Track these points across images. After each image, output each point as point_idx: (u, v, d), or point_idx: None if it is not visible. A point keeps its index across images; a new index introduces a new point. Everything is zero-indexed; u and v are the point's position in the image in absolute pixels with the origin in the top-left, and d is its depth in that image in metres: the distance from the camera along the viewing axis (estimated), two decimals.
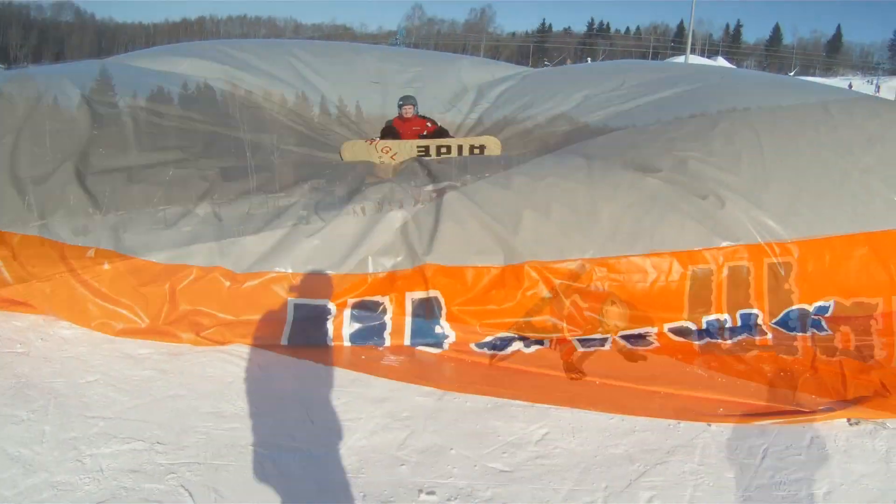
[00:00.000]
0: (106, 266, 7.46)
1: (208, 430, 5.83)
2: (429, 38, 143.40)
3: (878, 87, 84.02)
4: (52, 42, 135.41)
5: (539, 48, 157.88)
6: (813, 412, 6.39)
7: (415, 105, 13.19)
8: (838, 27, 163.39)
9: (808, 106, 10.15)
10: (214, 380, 6.67)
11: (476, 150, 11.67)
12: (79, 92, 9.61)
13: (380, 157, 11.40)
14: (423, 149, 11.65)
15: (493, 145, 11.77)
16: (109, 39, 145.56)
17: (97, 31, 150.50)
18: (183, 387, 6.52)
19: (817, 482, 5.58)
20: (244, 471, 5.38)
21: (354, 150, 11.43)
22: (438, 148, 11.73)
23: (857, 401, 6.65)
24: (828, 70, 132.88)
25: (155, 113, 9.86)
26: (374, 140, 11.88)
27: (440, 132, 13.17)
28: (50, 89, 9.45)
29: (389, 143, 11.78)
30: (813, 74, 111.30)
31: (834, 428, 6.28)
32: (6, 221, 7.77)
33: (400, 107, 13.13)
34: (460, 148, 11.80)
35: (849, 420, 6.40)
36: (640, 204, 8.13)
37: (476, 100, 15.29)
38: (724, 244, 7.90)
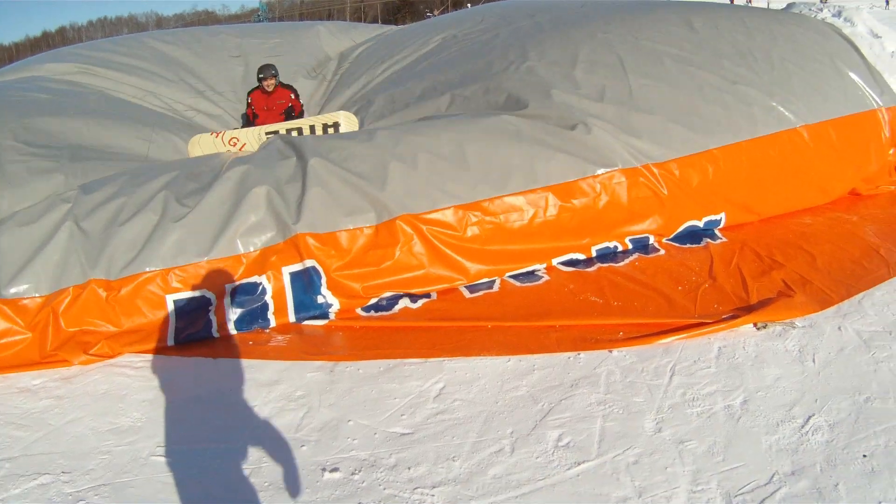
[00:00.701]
0: None
1: (109, 449, 5.63)
2: (292, 9, 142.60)
3: None
4: None
5: (404, 2, 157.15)
6: (717, 322, 6.35)
7: (276, 75, 12.73)
8: None
9: (671, 25, 10.17)
10: (109, 396, 6.45)
11: (330, 129, 11.23)
12: None
13: (227, 149, 10.81)
14: (271, 134, 10.89)
15: (347, 121, 11.36)
16: None
17: None
18: (79, 409, 6.28)
19: (732, 392, 5.56)
20: (149, 483, 5.20)
21: (201, 145, 10.86)
22: (288, 132, 11.12)
23: (762, 304, 6.63)
24: None
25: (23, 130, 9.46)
26: (220, 132, 11.27)
27: (301, 114, 12.86)
28: None
29: (236, 133, 11.29)
30: None
31: (741, 335, 6.27)
32: None
33: (260, 80, 12.69)
34: (312, 129, 11.36)
35: (755, 325, 6.38)
36: (507, 143, 8.02)
37: (337, 67, 15.26)
38: (600, 171, 7.82)
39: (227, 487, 5.05)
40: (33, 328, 7.11)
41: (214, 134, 10.80)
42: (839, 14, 11.39)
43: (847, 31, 10.69)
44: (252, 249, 7.31)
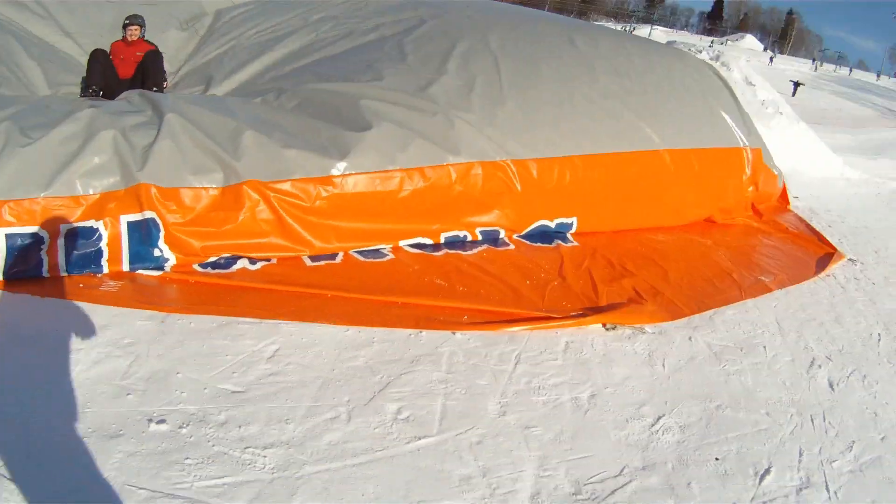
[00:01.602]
0: None
1: None
2: None
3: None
4: None
5: None
6: (565, 318, 6.34)
7: (142, 27, 12.35)
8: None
9: (553, 37, 10.31)
10: None
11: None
12: None
13: None
14: None
15: None
16: None
17: None
18: None
19: (579, 386, 5.57)
20: None
21: None
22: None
23: (611, 307, 6.68)
24: (582, 15, 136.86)
25: None
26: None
27: (154, 55, 12.25)
28: None
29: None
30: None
31: (589, 333, 6.29)
32: None
33: (125, 27, 12.18)
34: None
35: (605, 325, 6.41)
36: (367, 125, 7.89)
37: (212, 24, 14.83)
38: (457, 160, 7.77)
39: (50, 430, 4.78)
40: None
41: None
42: (717, 58, 11.72)
43: (724, 74, 10.95)
44: (92, 192, 7.01)
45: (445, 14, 11.59)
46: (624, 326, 6.45)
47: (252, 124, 7.82)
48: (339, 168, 7.46)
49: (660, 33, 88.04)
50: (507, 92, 8.65)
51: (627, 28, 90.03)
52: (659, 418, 5.31)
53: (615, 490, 4.53)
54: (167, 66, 12.89)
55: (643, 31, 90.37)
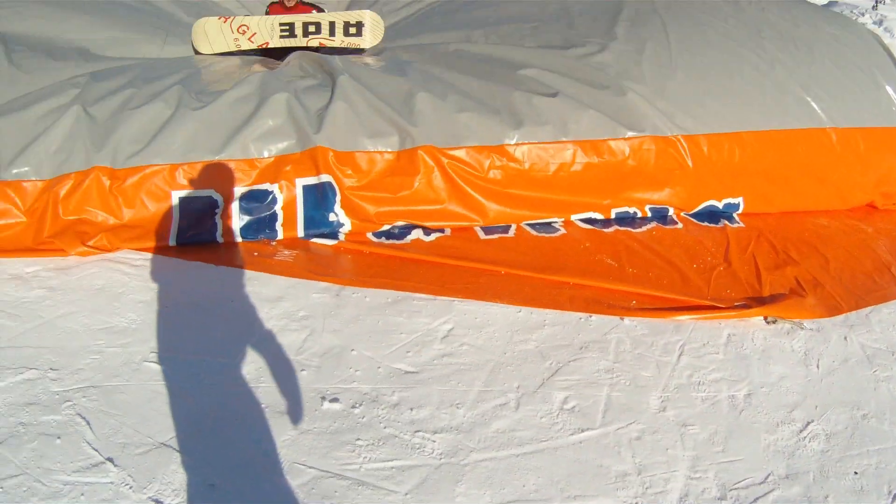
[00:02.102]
0: None
1: (101, 349, 5.49)
2: None
3: None
4: None
5: None
6: (729, 308, 6.27)
7: None
8: None
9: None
10: (105, 293, 6.29)
11: (352, 30, 10.02)
12: None
13: (235, 38, 9.83)
14: (286, 27, 9.97)
15: (372, 23, 10.08)
16: None
17: None
18: (73, 304, 6.12)
19: (737, 384, 5.49)
20: (140, 391, 5.08)
21: (207, 31, 9.74)
22: (305, 26, 10.00)
23: (774, 299, 6.54)
24: None
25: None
26: (229, 17, 10.10)
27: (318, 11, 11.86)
28: None
29: (246, 20, 9.96)
30: None
31: (751, 326, 6.17)
32: None
33: None
34: (332, 25, 10.07)
35: (765, 318, 6.28)
36: (540, 93, 7.82)
37: None
38: (630, 134, 7.66)
39: (221, 404, 4.97)
40: (31, 213, 6.95)
41: (223, 19, 9.84)
42: (880, 23, 11.19)
43: (887, 41, 10.56)
44: (266, 155, 7.17)
45: None
46: (784, 321, 6.35)
47: (424, 85, 7.84)
48: (513, 137, 7.43)
49: None
50: (677, 60, 8.48)
51: None
52: (808, 424, 5.24)
53: (758, 498, 4.54)
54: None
55: None
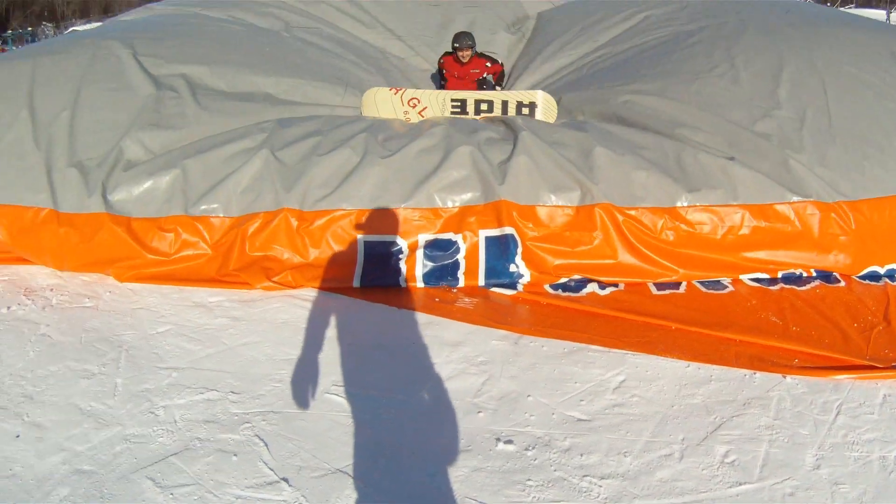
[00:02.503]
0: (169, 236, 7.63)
1: (283, 378, 5.87)
2: None
3: None
4: None
5: None
6: (887, 368, 6.30)
7: (472, 47, 11.93)
8: None
9: (875, 52, 9.97)
10: (288, 326, 6.68)
11: (525, 110, 10.12)
12: (130, 53, 9.58)
13: (405, 111, 10.15)
14: (458, 104, 10.20)
15: (545, 103, 10.18)
16: None
17: None
18: (256, 334, 6.54)
19: (889, 444, 5.49)
20: (320, 419, 5.41)
21: (377, 100, 10.13)
22: (477, 103, 10.18)
23: None
24: (868, 1, 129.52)
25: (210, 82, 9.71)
26: (401, 89, 10.33)
27: (502, 75, 12.39)
28: (100, 55, 9.50)
29: (418, 94, 10.29)
30: (873, 6, 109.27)
31: None
32: (73, 203, 7.83)
33: (455, 49, 11.95)
34: (504, 105, 10.18)
35: None
36: (711, 156, 8.03)
37: (536, 25, 15.14)
38: (795, 199, 7.77)
39: (399, 438, 5.22)
40: (217, 247, 7.48)
41: (394, 90, 10.14)
42: None
43: None
44: (451, 205, 7.49)
45: (768, 20, 11.45)
46: None
47: (602, 141, 8.06)
48: (685, 200, 7.63)
49: None
50: (837, 126, 8.52)
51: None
52: None
53: None
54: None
55: None
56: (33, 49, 10.76)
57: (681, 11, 12.72)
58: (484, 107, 10.11)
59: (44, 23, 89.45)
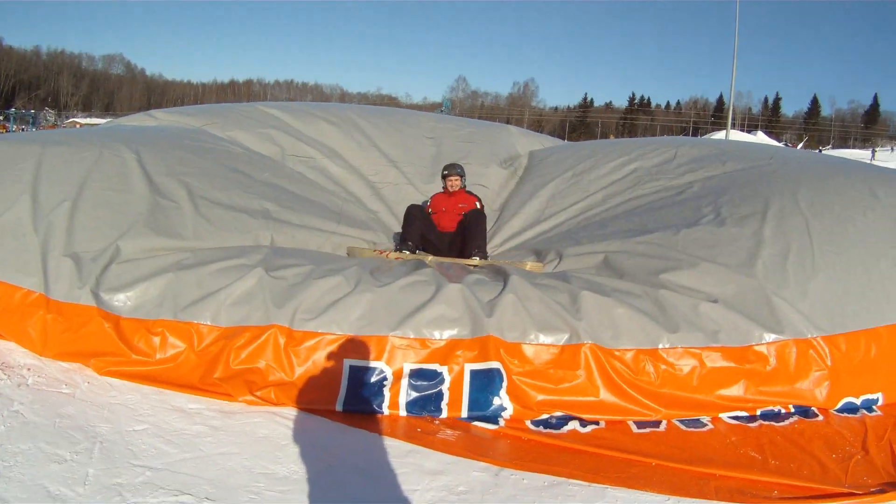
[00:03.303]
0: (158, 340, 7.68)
1: (260, 491, 5.80)
2: (473, 110, 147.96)
3: None
4: (103, 93, 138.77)
5: (581, 122, 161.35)
6: (865, 494, 6.38)
7: (462, 176, 12.35)
8: (875, 97, 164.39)
9: (856, 191, 10.26)
10: (267, 441, 6.65)
11: None
12: (135, 158, 9.88)
13: None
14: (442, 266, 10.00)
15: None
16: (158, 95, 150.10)
17: (147, 86, 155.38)
18: (234, 445, 6.51)
19: None
20: None
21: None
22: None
23: None
24: (866, 141, 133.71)
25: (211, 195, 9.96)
26: (385, 251, 10.60)
27: (478, 215, 11.97)
28: (106, 155, 9.78)
29: (403, 256, 10.47)
30: (851, 146, 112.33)
31: None
32: (63, 292, 7.96)
33: (444, 177, 12.33)
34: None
35: None
36: (693, 299, 8.23)
37: (528, 164, 15.45)
38: (773, 338, 7.93)
39: None
40: (203, 354, 7.49)
41: (377, 251, 10.24)
42: None
43: None
44: (438, 337, 7.54)
45: (752, 167, 11.89)
46: None
47: (588, 286, 8.28)
48: (667, 342, 7.76)
49: None
50: (819, 262, 8.74)
51: None
52: None
53: None
54: (490, 204, 13.30)
55: None
56: (43, 136, 11.38)
57: (669, 163, 13.18)
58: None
59: (46, 108, 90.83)
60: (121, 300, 7.77)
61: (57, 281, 7.99)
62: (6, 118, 65.32)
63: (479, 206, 12.34)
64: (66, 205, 8.68)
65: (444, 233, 12.04)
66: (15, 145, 9.71)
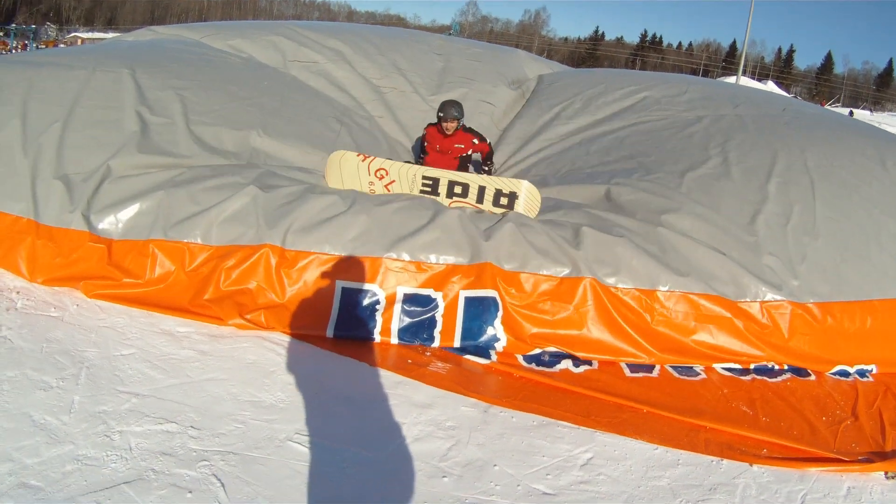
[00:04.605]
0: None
1: (246, 420, 5.78)
2: (482, 34, 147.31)
3: None
4: (106, 7, 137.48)
5: (590, 55, 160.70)
6: (853, 462, 6.37)
7: (459, 119, 11.06)
8: (890, 61, 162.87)
9: (866, 158, 10.25)
10: (255, 367, 6.60)
11: (503, 199, 8.98)
12: (129, 73, 9.70)
13: (370, 182, 9.26)
14: (429, 182, 9.13)
15: (527, 194, 8.90)
16: (163, 9, 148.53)
17: (151, 0, 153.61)
18: (222, 371, 6.46)
19: None
20: (281, 466, 5.32)
21: (342, 165, 9.30)
22: (451, 185, 9.09)
23: (895, 453, 6.63)
24: (875, 104, 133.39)
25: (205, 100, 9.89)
26: (369, 156, 9.34)
27: (489, 155, 11.59)
28: (99, 72, 9.60)
29: (387, 164, 9.27)
30: (860, 107, 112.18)
31: (870, 480, 6.24)
32: (54, 217, 7.84)
33: (440, 119, 11.03)
34: (481, 191, 9.05)
35: (886, 473, 6.35)
36: (690, 245, 8.20)
37: (536, 87, 15.16)
38: (769, 297, 7.90)
39: (360, 494, 5.14)
40: (193, 275, 7.37)
41: (362, 156, 9.33)
42: None
43: None
44: (435, 261, 7.49)
45: (764, 116, 11.76)
46: None
47: (590, 221, 8.20)
48: (666, 284, 7.72)
49: None
50: (820, 227, 8.73)
51: None
52: None
53: None
54: (496, 124, 13.25)
55: None
56: (35, 56, 11.13)
57: (681, 97, 12.96)
58: (458, 189, 9.11)
59: (48, 23, 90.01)
60: (112, 222, 7.68)
61: (47, 205, 7.86)
62: (6, 34, 64.41)
63: (478, 142, 11.43)
64: (57, 126, 8.52)
65: None
66: (5, 67, 9.55)
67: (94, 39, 59.54)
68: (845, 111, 69.27)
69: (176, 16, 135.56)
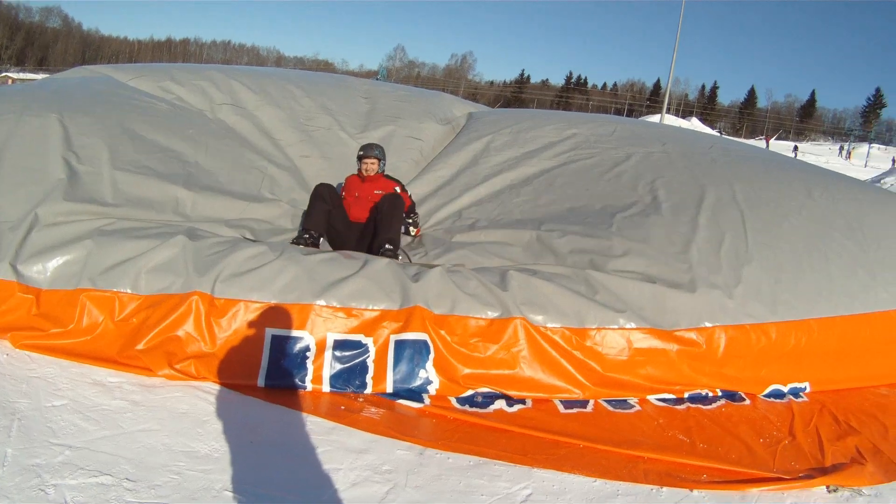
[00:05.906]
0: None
1: (181, 471, 5.66)
2: (409, 79, 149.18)
3: (847, 154, 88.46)
4: (38, 47, 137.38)
5: (516, 98, 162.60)
6: (794, 479, 6.43)
7: (381, 160, 10.75)
8: (812, 92, 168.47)
9: (793, 189, 10.58)
10: (188, 417, 6.50)
11: None
12: (57, 119, 9.61)
13: None
14: None
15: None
16: (94, 50, 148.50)
17: (83, 41, 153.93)
18: (155, 421, 6.35)
19: None
20: None
21: None
22: None
23: (835, 468, 6.72)
24: (799, 135, 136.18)
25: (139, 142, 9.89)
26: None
27: (411, 209, 10.97)
28: (27, 118, 9.53)
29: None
30: (785, 139, 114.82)
31: (813, 495, 6.32)
32: None
33: (360, 158, 10.73)
34: None
35: (827, 487, 6.44)
36: (627, 280, 8.27)
37: (467, 123, 15.19)
38: (705, 324, 8.02)
39: None
40: (122, 324, 7.30)
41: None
42: None
43: None
44: (365, 307, 7.43)
45: (692, 153, 12.01)
46: (844, 488, 6.48)
47: (518, 269, 8.25)
48: (595, 321, 7.76)
49: (877, 151, 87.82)
50: (752, 251, 8.90)
51: (846, 147, 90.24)
52: None
53: None
54: (420, 157, 13.21)
55: (861, 149, 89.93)
56: None
57: (610, 136, 13.15)
58: None
59: None
60: (40, 270, 7.54)
61: None
62: None
63: (400, 190, 10.86)
64: None
65: (356, 223, 10.42)
66: None
67: (24, 80, 59.30)
68: (790, 145, 71.24)
69: (107, 57, 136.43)
